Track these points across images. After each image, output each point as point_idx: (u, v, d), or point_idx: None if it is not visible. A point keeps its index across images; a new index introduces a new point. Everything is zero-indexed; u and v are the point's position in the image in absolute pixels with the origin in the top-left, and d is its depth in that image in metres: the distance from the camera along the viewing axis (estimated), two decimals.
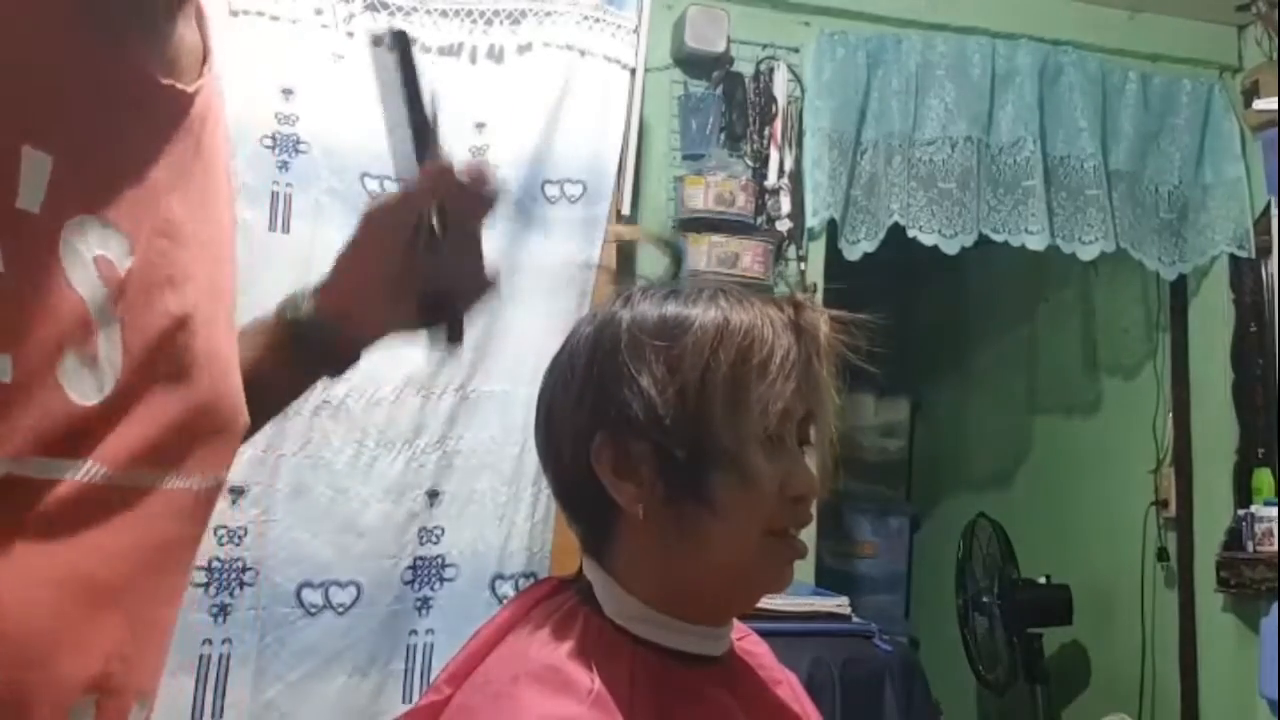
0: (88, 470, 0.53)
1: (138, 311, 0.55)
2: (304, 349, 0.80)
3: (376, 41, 0.76)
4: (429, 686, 0.85)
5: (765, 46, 2.57)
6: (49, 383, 0.51)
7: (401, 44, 0.76)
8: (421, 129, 0.77)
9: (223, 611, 1.93)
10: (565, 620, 0.82)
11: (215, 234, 0.65)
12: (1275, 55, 2.70)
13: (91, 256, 0.52)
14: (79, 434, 0.53)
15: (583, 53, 2.25)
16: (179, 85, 0.59)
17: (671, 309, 0.83)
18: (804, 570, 2.43)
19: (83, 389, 0.52)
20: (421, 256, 0.78)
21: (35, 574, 0.52)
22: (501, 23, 2.23)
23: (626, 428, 0.80)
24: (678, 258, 0.91)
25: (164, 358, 0.58)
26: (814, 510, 0.87)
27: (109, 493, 0.55)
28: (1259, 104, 2.71)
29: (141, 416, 0.57)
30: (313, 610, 1.98)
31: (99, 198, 0.53)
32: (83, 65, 0.53)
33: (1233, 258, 2.77)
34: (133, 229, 0.55)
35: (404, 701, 2.02)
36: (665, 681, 0.80)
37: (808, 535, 2.71)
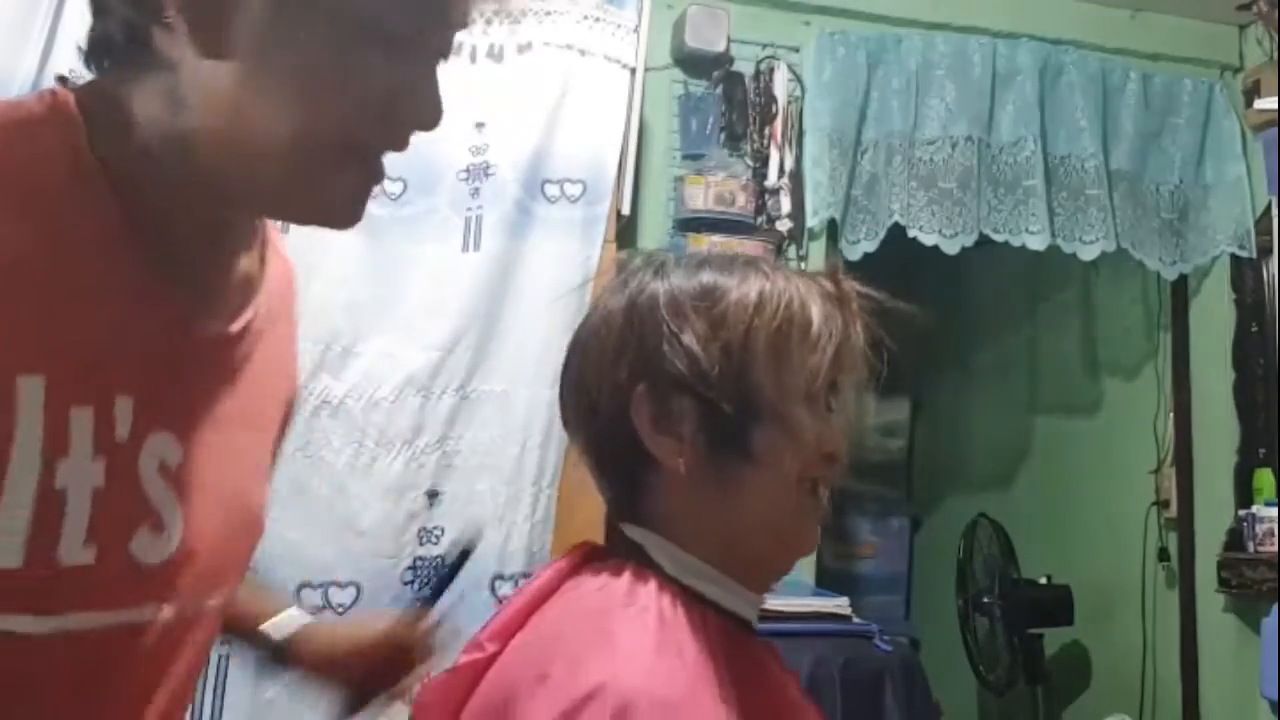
0: (159, 612, 0.71)
1: (190, 492, 0.72)
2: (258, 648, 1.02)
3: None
4: (470, 642, 0.83)
5: (765, 46, 2.56)
6: (122, 556, 0.67)
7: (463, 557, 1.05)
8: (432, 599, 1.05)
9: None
10: (637, 577, 0.80)
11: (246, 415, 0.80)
12: (1276, 55, 2.69)
13: (156, 464, 0.69)
14: (152, 585, 0.70)
15: (583, 52, 2.25)
16: (228, 330, 0.74)
17: (708, 277, 0.84)
18: (805, 570, 2.43)
19: (150, 554, 0.69)
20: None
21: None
22: (501, 22, 2.22)
23: (668, 383, 0.80)
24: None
25: (213, 510, 0.75)
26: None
27: (175, 627, 0.73)
28: (1260, 103, 2.70)
29: (201, 559, 0.73)
30: (312, 611, 1.97)
31: (161, 420, 0.69)
32: (154, 327, 0.69)
33: (1234, 257, 2.77)
34: (182, 433, 0.71)
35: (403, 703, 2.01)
36: (735, 646, 0.80)
37: None
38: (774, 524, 0.83)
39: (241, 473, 0.80)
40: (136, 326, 0.68)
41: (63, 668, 0.66)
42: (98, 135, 0.65)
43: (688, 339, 0.80)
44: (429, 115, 0.67)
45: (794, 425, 0.81)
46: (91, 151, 0.65)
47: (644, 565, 0.81)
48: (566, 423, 0.88)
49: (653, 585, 0.79)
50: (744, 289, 0.82)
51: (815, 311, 0.83)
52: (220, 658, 1.91)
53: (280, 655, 1.02)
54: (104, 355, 0.66)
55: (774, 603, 2.14)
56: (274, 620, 1.02)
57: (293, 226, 2.43)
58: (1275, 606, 2.36)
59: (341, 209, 0.68)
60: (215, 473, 0.75)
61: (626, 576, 0.80)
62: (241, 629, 1.00)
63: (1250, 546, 2.59)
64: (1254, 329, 2.72)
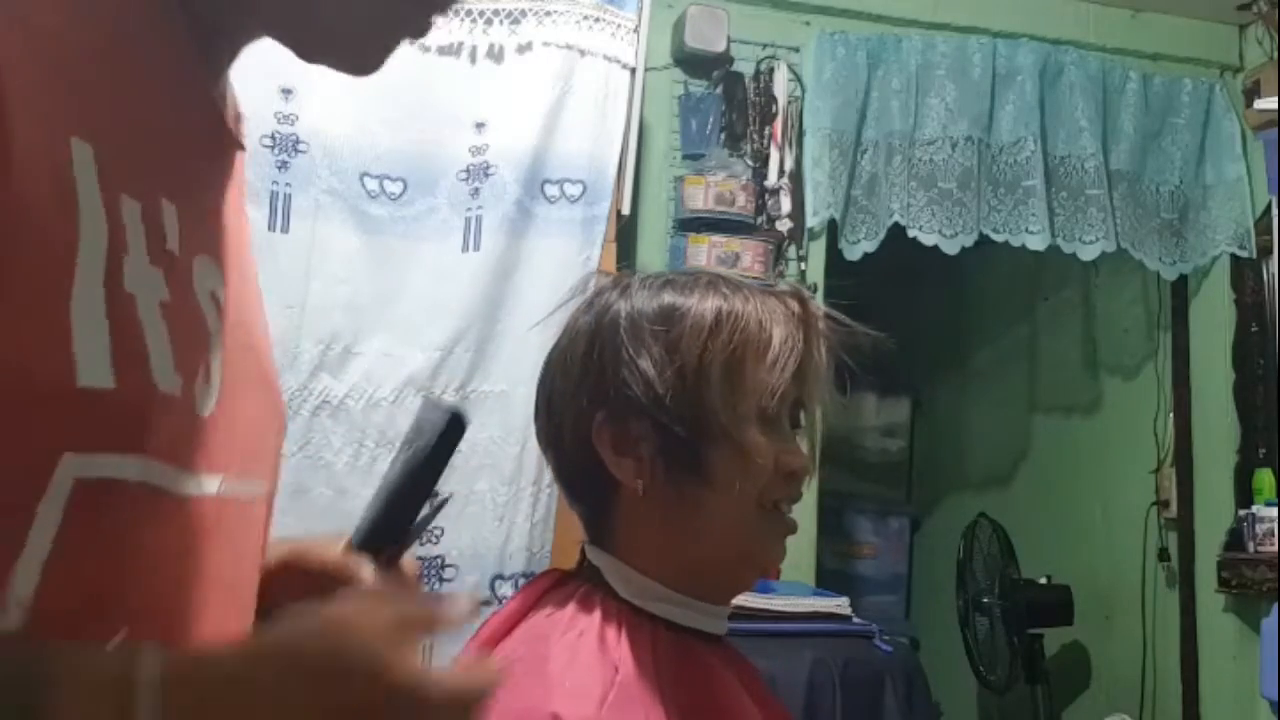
0: (207, 484, 0.58)
1: (231, 334, 0.62)
2: None
3: (435, 408, 0.74)
4: None
5: (765, 46, 2.56)
6: (190, 394, 0.56)
7: (456, 431, 0.73)
8: (409, 512, 0.79)
9: None
10: (583, 603, 0.84)
11: (251, 275, 0.70)
12: (1276, 54, 2.69)
13: (208, 290, 0.59)
14: (201, 445, 0.58)
15: (582, 52, 2.25)
16: (236, 160, 0.66)
17: (668, 298, 0.85)
18: (804, 571, 2.43)
19: (201, 403, 0.57)
20: None
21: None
22: (501, 22, 2.23)
23: (626, 407, 0.83)
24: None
25: (247, 374, 0.64)
26: (804, 490, 0.90)
27: (222, 505, 0.60)
28: (1260, 103, 2.70)
29: (239, 429, 0.61)
30: None
31: (202, 239, 0.60)
32: (189, 120, 0.61)
33: (1234, 257, 2.77)
34: (223, 265, 0.62)
35: None
36: (684, 657, 0.83)
37: (807, 535, 2.70)
38: (733, 544, 0.85)
39: (264, 339, 0.68)
40: (180, 121, 0.59)
41: (195, 533, 0.56)
42: None
43: (644, 364, 0.82)
44: None
45: (748, 447, 0.83)
46: None
47: (596, 588, 0.85)
48: (540, 442, 0.90)
49: (597, 610, 0.82)
50: (701, 310, 0.84)
51: (775, 332, 0.84)
52: None
53: None
54: (148, 143, 0.56)
55: (774, 603, 2.14)
56: None
57: (293, 225, 2.42)
58: (1275, 606, 2.36)
59: (377, 56, 0.62)
60: (246, 327, 0.64)
61: (573, 603, 0.84)
62: None
63: (1250, 546, 2.59)
64: (1254, 329, 2.72)
